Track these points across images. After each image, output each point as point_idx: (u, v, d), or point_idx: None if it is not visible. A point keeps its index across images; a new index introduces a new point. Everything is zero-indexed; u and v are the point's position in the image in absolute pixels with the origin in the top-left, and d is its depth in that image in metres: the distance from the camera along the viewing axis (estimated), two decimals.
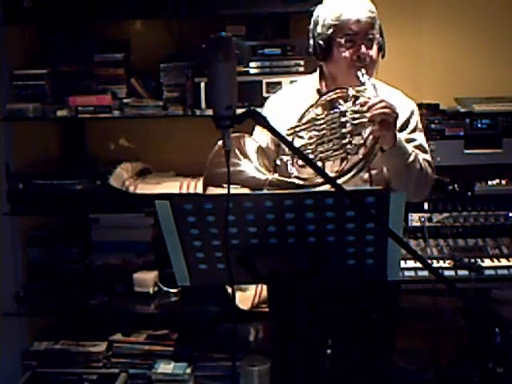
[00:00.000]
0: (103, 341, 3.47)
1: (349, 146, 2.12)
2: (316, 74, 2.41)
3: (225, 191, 1.70)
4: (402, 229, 1.79)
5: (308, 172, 2.12)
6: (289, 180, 2.13)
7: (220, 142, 2.09)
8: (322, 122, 2.18)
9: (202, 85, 3.21)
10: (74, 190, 3.39)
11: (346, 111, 2.14)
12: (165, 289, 3.42)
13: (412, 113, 2.36)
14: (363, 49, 2.23)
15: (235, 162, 2.10)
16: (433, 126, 3.20)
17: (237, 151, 2.12)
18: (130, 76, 3.44)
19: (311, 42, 2.30)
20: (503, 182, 3.29)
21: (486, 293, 3.20)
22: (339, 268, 1.85)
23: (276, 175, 2.16)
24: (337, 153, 2.14)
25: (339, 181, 2.05)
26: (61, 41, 3.48)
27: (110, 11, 3.21)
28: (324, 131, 2.17)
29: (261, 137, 2.32)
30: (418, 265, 2.94)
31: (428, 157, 2.35)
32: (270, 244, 1.81)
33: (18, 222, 3.56)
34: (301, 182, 2.12)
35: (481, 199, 3.26)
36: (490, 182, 3.28)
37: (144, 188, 3.36)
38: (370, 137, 2.10)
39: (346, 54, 2.23)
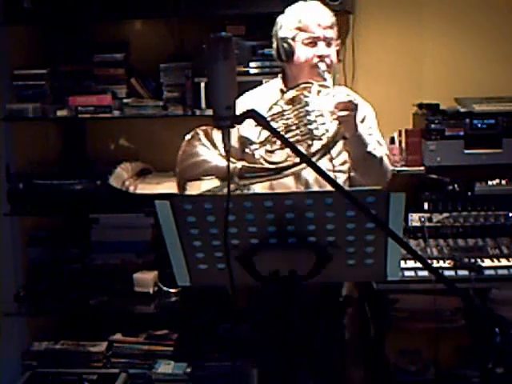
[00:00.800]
0: (103, 341, 3.47)
1: (315, 132, 2.27)
2: (279, 76, 2.58)
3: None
4: (401, 229, 1.80)
5: (278, 157, 2.28)
6: (258, 166, 2.29)
7: (187, 137, 2.27)
8: (289, 112, 2.34)
9: (202, 85, 3.22)
10: (74, 189, 3.39)
11: (311, 102, 2.31)
12: (165, 289, 3.42)
13: (368, 113, 2.57)
14: (323, 49, 2.41)
15: (200, 153, 2.26)
16: (433, 125, 3.20)
17: (205, 141, 2.27)
18: (130, 76, 3.44)
19: (274, 45, 2.49)
20: (503, 182, 3.29)
21: (486, 293, 3.20)
22: (339, 268, 1.85)
23: (244, 163, 2.30)
24: (304, 138, 2.29)
25: (304, 165, 2.18)
26: (61, 41, 3.49)
27: (110, 11, 3.21)
28: (292, 119, 2.32)
29: None
30: (418, 265, 2.94)
31: (385, 150, 2.53)
32: (270, 244, 1.81)
33: (18, 222, 3.56)
34: (271, 166, 2.27)
35: (481, 199, 3.26)
36: (490, 182, 3.28)
37: (144, 188, 3.36)
38: (334, 124, 2.26)
39: (308, 54, 2.42)
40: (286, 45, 2.44)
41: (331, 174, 2.44)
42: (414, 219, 3.25)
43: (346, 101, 2.26)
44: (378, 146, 2.46)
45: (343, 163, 2.51)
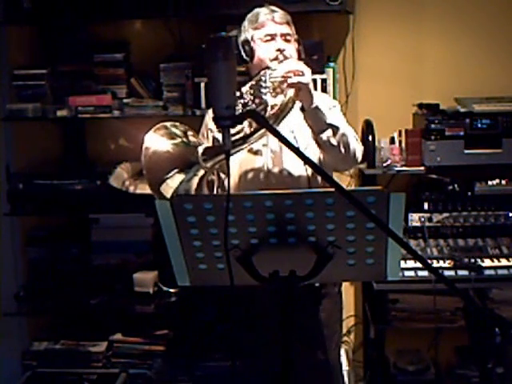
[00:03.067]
0: (103, 341, 3.47)
1: (269, 101, 2.31)
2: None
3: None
4: (401, 229, 1.80)
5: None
6: (219, 144, 2.34)
7: (144, 145, 2.34)
8: (247, 92, 2.38)
9: (202, 85, 3.22)
10: (74, 190, 3.39)
11: (266, 78, 2.35)
12: (165, 289, 3.42)
13: (335, 106, 2.60)
14: (281, 43, 2.46)
15: (159, 152, 2.30)
16: (433, 125, 3.20)
17: (162, 137, 2.30)
18: (129, 76, 3.44)
19: (237, 51, 2.51)
20: (503, 182, 3.29)
21: (486, 293, 3.21)
22: (339, 268, 1.85)
23: (207, 144, 2.38)
24: (259, 108, 2.31)
25: (259, 133, 2.23)
26: (61, 41, 3.48)
27: (110, 11, 3.20)
28: (249, 97, 2.37)
29: (204, 142, 2.54)
30: (418, 265, 2.94)
31: (352, 132, 2.47)
32: (270, 244, 1.81)
33: (18, 222, 3.56)
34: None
35: (481, 199, 3.26)
36: (490, 182, 3.29)
37: (144, 188, 3.35)
38: (289, 92, 2.28)
39: (266, 49, 2.47)
40: (246, 47, 2.49)
41: (303, 168, 2.46)
42: (414, 219, 3.25)
43: (295, 69, 2.28)
44: (340, 123, 2.43)
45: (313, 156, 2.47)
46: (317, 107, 2.34)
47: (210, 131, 2.55)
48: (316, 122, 2.35)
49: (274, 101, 2.31)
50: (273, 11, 2.51)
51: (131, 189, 3.36)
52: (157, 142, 2.31)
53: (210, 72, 1.68)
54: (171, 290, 3.41)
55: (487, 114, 3.20)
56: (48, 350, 3.48)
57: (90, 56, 3.41)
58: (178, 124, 2.34)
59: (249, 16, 2.56)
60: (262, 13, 2.51)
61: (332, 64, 3.27)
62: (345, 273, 1.88)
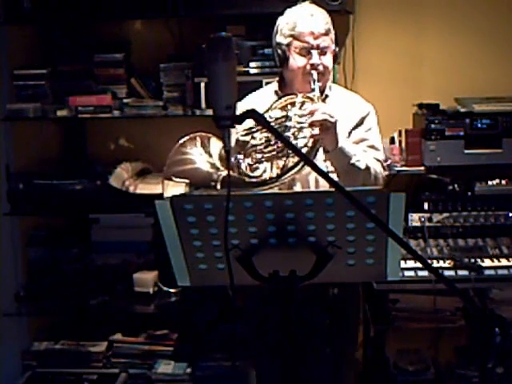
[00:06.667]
0: (103, 341, 3.47)
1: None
2: (276, 79, 2.61)
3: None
4: (402, 229, 1.80)
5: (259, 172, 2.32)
6: (240, 177, 2.30)
7: (181, 141, 2.26)
8: (272, 125, 2.33)
9: (202, 85, 3.22)
10: (74, 189, 3.39)
11: (292, 116, 2.32)
12: (165, 289, 3.42)
13: (368, 114, 2.54)
14: (316, 58, 2.41)
15: (191, 158, 2.24)
16: (433, 125, 3.20)
17: (199, 147, 2.24)
18: (130, 76, 3.44)
19: (271, 49, 2.51)
20: (503, 182, 3.29)
21: (486, 293, 3.20)
22: (339, 268, 1.85)
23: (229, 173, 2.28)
24: (280, 154, 2.29)
25: (284, 178, 2.23)
26: (61, 41, 3.49)
27: (110, 11, 3.21)
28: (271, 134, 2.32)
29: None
30: (418, 265, 2.94)
31: (380, 155, 2.52)
32: (270, 244, 1.81)
33: (18, 222, 3.56)
34: (251, 180, 2.29)
35: (481, 199, 3.26)
36: (490, 182, 3.29)
37: (144, 188, 3.36)
38: (311, 139, 2.27)
39: (301, 63, 2.42)
40: (280, 51, 2.45)
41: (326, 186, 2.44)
42: (414, 219, 3.25)
43: (321, 119, 2.24)
44: (366, 154, 2.43)
45: None
46: (341, 149, 2.32)
47: (236, 132, 2.49)
48: (339, 163, 2.34)
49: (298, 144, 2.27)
50: (313, 19, 2.42)
51: (131, 189, 3.36)
52: (193, 148, 2.26)
53: (209, 72, 1.68)
54: (171, 290, 3.41)
55: (487, 114, 3.20)
56: (48, 349, 3.47)
57: (90, 56, 3.41)
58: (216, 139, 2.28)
59: (289, 16, 2.47)
60: (302, 20, 2.42)
61: None
62: (345, 273, 1.88)
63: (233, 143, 2.47)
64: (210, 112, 3.13)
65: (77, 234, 3.61)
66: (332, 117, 2.26)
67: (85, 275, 3.51)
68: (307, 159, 1.72)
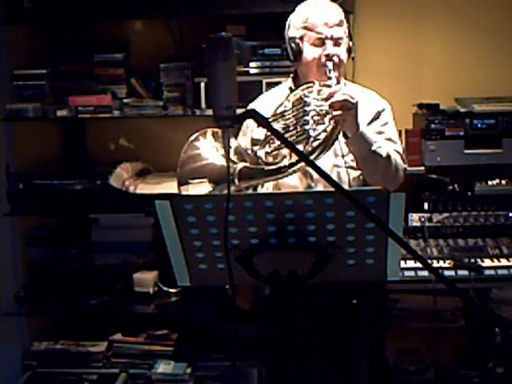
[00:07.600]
0: (103, 341, 3.47)
1: (311, 133, 2.25)
2: (291, 76, 2.59)
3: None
4: (402, 229, 1.80)
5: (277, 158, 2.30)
6: (258, 166, 2.28)
7: (191, 138, 2.24)
8: (289, 112, 2.33)
9: (202, 85, 3.22)
10: (74, 189, 3.39)
11: (311, 100, 2.30)
12: (165, 289, 3.42)
13: (384, 109, 2.52)
14: (331, 48, 2.38)
15: (202, 155, 2.23)
16: (433, 125, 3.20)
17: (212, 141, 2.24)
18: (129, 76, 3.44)
19: (284, 45, 2.48)
20: (503, 182, 3.29)
21: (486, 293, 3.20)
22: (339, 268, 1.85)
23: (245, 164, 2.29)
24: (300, 138, 2.27)
25: (302, 163, 2.17)
26: (61, 41, 3.48)
27: (110, 11, 3.20)
28: (291, 120, 2.32)
29: (242, 140, 2.51)
30: (418, 265, 2.94)
31: (398, 147, 2.49)
32: (270, 244, 1.81)
33: (18, 222, 3.56)
34: (269, 167, 2.26)
35: (481, 199, 3.26)
36: (490, 182, 3.28)
37: (144, 188, 3.36)
38: (331, 122, 2.23)
39: (315, 54, 2.39)
40: (293, 45, 2.41)
41: (343, 171, 2.42)
42: (414, 219, 3.25)
43: (342, 99, 2.20)
44: (386, 144, 2.39)
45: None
46: (362, 134, 2.28)
47: (250, 130, 2.50)
48: (360, 149, 2.30)
49: (315, 132, 2.24)
50: (326, 10, 2.41)
51: (131, 189, 3.36)
52: (204, 143, 2.26)
53: (209, 72, 1.68)
54: (171, 290, 3.41)
55: (487, 114, 3.20)
56: (48, 350, 3.47)
57: (90, 56, 3.41)
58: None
59: (301, 10, 2.45)
60: (316, 12, 2.40)
61: None
62: (345, 273, 1.88)
63: (248, 143, 2.49)
64: (210, 112, 3.13)
65: (77, 233, 3.61)
66: (353, 98, 2.22)
67: (85, 275, 3.50)
68: (307, 158, 1.72)
